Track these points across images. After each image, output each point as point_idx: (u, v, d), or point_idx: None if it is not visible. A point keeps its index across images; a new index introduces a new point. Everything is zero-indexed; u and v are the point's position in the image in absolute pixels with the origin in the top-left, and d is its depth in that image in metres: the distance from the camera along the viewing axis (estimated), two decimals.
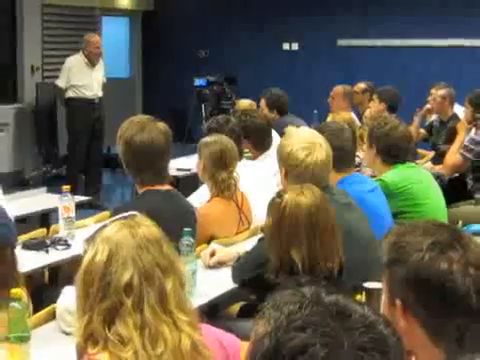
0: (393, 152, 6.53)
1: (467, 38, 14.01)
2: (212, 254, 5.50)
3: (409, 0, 14.12)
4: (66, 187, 6.38)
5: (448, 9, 13.92)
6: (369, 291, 3.89)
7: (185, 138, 12.83)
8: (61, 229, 6.11)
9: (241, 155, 6.84)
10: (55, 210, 6.68)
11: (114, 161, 6.92)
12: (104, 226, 3.11)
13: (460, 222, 6.09)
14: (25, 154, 13.40)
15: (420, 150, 9.58)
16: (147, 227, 3.08)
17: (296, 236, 4.20)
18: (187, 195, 6.15)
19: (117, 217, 3.17)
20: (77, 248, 5.35)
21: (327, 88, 11.03)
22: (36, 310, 4.29)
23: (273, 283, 4.16)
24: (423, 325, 2.48)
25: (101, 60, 12.59)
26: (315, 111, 11.23)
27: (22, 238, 5.75)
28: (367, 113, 9.89)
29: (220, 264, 5.42)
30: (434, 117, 10.23)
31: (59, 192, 6.63)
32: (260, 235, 5.28)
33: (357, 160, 6.90)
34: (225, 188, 6.14)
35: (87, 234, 3.27)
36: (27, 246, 5.77)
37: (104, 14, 15.67)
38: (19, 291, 3.79)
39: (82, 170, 12.29)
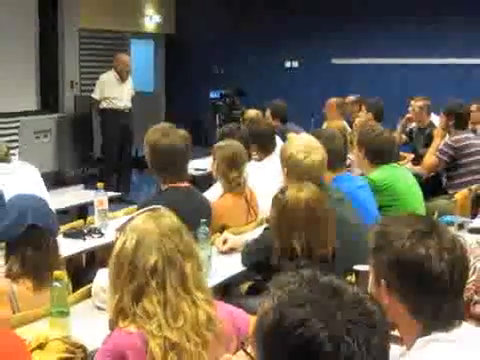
0: (379, 154, 6.53)
1: (439, 58, 14.03)
2: (224, 241, 5.49)
3: (392, 26, 14.09)
4: (100, 184, 6.39)
5: (424, 34, 13.92)
6: (358, 273, 3.87)
7: (201, 142, 12.82)
8: (96, 220, 6.12)
9: (249, 157, 6.84)
10: (91, 204, 6.68)
11: (141, 162, 6.89)
12: (132, 217, 3.12)
13: (436, 214, 6.07)
14: (65, 156, 13.40)
15: (402, 153, 9.54)
16: (169, 218, 3.09)
17: (296, 226, 4.20)
18: (203, 191, 6.14)
19: (144, 210, 3.17)
20: (110, 236, 5.38)
21: (322, 100, 10.99)
22: (75, 289, 4.29)
23: (276, 266, 4.16)
24: (404, 302, 2.48)
25: (130, 76, 12.57)
26: (312, 119, 11.24)
27: (63, 228, 5.75)
28: (356, 121, 9.85)
29: (231, 250, 5.42)
30: (413, 125, 10.20)
31: (94, 189, 6.63)
32: (265, 225, 5.27)
33: (348, 161, 6.88)
34: (236, 185, 6.14)
35: (118, 224, 3.27)
36: (67, 235, 5.78)
37: (133, 37, 15.66)
38: (60, 273, 3.79)
39: (114, 170, 12.29)
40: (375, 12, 14.25)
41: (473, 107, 10.10)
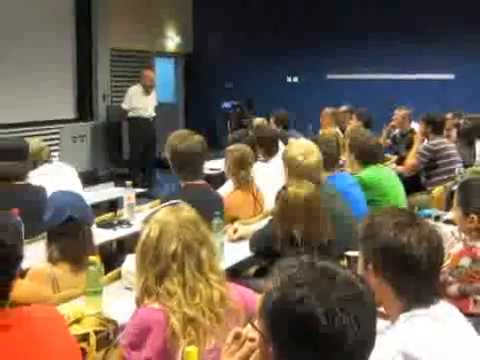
0: (367, 156, 6.52)
1: (419, 74, 14.03)
2: (235, 231, 5.49)
3: (379, 46, 14.09)
4: (128, 182, 6.40)
5: (406, 53, 13.93)
6: (350, 258, 3.87)
7: (215, 146, 12.83)
8: (125, 213, 6.12)
9: (256, 159, 6.84)
10: (120, 199, 6.69)
11: (163, 163, 6.92)
12: (156, 211, 3.12)
13: (416, 208, 6.06)
14: (98, 158, 13.42)
15: (387, 155, 9.53)
16: (187, 211, 3.09)
17: (296, 218, 4.20)
18: (217, 188, 6.14)
19: (165, 204, 3.17)
20: (136, 227, 5.37)
21: (318, 110, 10.97)
22: (106, 272, 4.30)
23: (279, 252, 4.16)
24: (388, 283, 2.48)
25: (154, 89, 12.58)
26: (310, 126, 11.21)
27: (96, 220, 5.75)
28: (348, 128, 9.84)
29: (241, 238, 5.42)
30: (397, 131, 10.20)
31: (123, 186, 6.65)
32: (270, 217, 5.27)
33: (341, 162, 6.87)
34: (244, 183, 6.14)
35: (144, 216, 3.27)
36: (100, 225, 5.78)
37: (156, 55, 15.65)
38: (94, 258, 3.80)
39: (140, 169, 12.29)
40: (364, 36, 14.24)
41: (448, 116, 10.09)
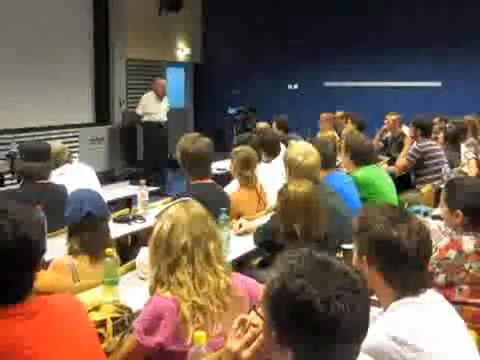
0: (361, 157, 6.52)
1: (409, 81, 14.03)
2: (240, 225, 5.50)
3: (371, 57, 14.10)
4: (142, 181, 6.41)
5: (396, 63, 13.95)
6: (345, 250, 3.88)
7: (222, 148, 12.84)
8: (139, 209, 6.13)
9: (259, 159, 6.84)
10: (135, 196, 6.69)
11: (174, 163, 6.92)
12: (168, 207, 3.12)
13: (406, 204, 6.05)
14: (114, 159, 13.43)
15: (379, 156, 9.53)
16: (196, 207, 3.09)
17: (296, 214, 4.19)
18: (223, 186, 6.14)
19: (176, 201, 3.17)
20: (150, 222, 5.36)
21: (316, 114, 10.97)
22: (122, 263, 4.30)
23: (281, 245, 4.15)
24: (381, 273, 2.48)
25: (165, 96, 12.59)
26: (308, 130, 11.21)
27: (113, 215, 5.76)
28: (344, 131, 9.83)
29: (245, 232, 5.42)
30: (388, 134, 10.20)
31: (137, 184, 6.65)
32: (272, 213, 5.28)
33: (337, 163, 6.87)
34: (249, 181, 6.15)
35: (156, 212, 3.27)
36: (116, 220, 5.79)
37: (168, 65, 15.65)
38: (111, 251, 3.80)
39: (153, 169, 12.29)
40: (358, 48, 14.26)
41: (435, 120, 10.10)
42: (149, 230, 3.19)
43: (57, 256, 4.05)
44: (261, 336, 1.86)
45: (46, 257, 3.80)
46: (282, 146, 7.84)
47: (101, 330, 3.00)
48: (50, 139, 9.72)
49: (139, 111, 12.57)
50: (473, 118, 9.94)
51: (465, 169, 8.14)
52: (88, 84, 13.39)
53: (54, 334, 2.26)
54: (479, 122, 9.89)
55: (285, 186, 4.41)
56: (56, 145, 6.67)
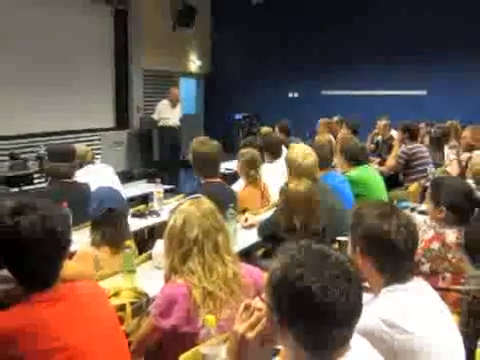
0: (355, 158, 6.51)
1: (397, 90, 14.03)
2: (246, 220, 5.50)
3: (364, 67, 14.09)
4: (158, 180, 6.42)
5: (386, 73, 13.95)
6: (341, 242, 3.87)
7: (229, 150, 12.83)
8: (155, 205, 6.12)
9: (263, 160, 6.84)
10: (151, 193, 6.69)
11: (187, 164, 6.88)
12: (180, 203, 3.13)
13: (395, 201, 6.05)
14: (133, 159, 13.42)
15: (371, 157, 9.51)
16: (206, 203, 3.09)
17: (296, 209, 4.18)
18: (231, 184, 6.14)
19: (189, 198, 3.18)
20: (164, 216, 5.37)
21: (315, 120, 10.93)
22: (140, 254, 4.31)
23: (282, 238, 4.15)
24: (372, 263, 2.48)
25: (179, 103, 12.60)
26: (307, 134, 11.18)
27: (132, 210, 5.77)
28: (339, 135, 9.82)
29: (250, 226, 5.42)
30: (379, 137, 10.20)
31: (154, 183, 6.66)
32: (275, 209, 5.27)
33: (333, 163, 6.85)
34: (254, 180, 6.14)
35: (170, 208, 3.27)
36: (135, 215, 5.80)
37: (181, 75, 15.66)
38: (130, 242, 3.81)
39: (167, 169, 12.29)
40: (352, 59, 14.25)
41: (421, 125, 10.08)
42: (164, 224, 3.19)
43: (81, 248, 4.05)
44: (264, 320, 1.86)
45: (71, 248, 3.80)
46: (284, 148, 7.83)
47: (121, 313, 3.01)
48: (75, 142, 9.75)
49: (155, 117, 12.60)
50: (455, 123, 9.93)
51: (448, 169, 8.10)
52: (109, 93, 13.43)
53: (78, 317, 2.26)
54: (461, 127, 9.86)
55: (286, 184, 4.40)
56: (81, 147, 6.68)
